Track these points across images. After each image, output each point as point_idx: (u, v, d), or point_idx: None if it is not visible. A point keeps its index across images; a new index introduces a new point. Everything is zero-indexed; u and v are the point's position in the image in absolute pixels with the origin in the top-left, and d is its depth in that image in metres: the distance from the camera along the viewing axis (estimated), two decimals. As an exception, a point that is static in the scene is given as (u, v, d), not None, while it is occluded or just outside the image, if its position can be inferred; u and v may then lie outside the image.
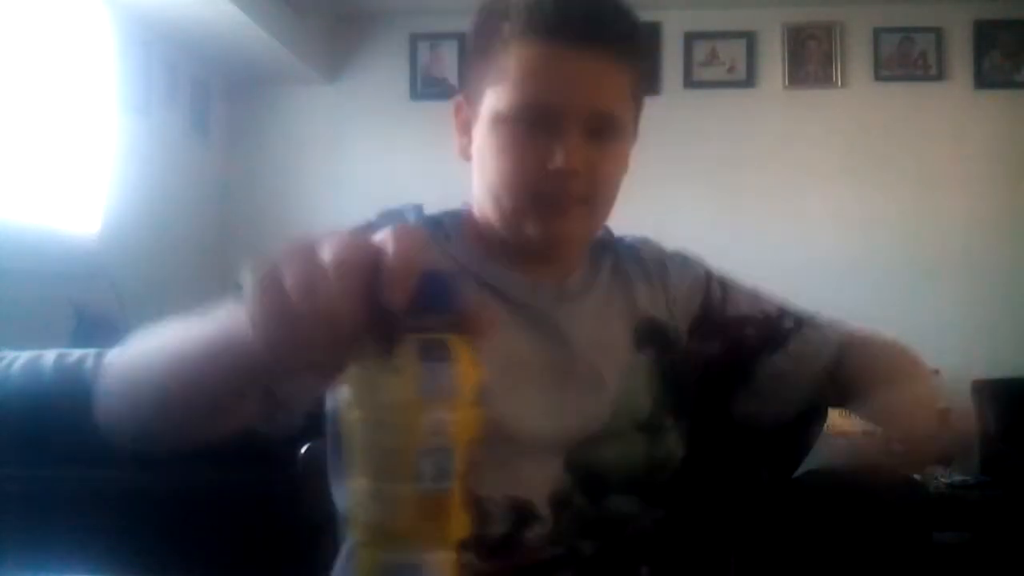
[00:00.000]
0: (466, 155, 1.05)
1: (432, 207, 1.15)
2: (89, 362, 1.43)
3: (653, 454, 1.04)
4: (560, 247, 1.04)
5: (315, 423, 1.13)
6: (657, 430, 1.05)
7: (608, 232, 1.15)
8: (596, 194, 1.00)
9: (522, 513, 0.97)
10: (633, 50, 1.00)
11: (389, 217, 1.06)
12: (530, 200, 0.98)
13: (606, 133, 0.98)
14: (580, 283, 1.08)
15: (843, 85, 4.19)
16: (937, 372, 3.76)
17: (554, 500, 0.98)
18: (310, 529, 1.20)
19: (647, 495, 1.04)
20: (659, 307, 1.10)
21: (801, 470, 1.41)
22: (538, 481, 0.98)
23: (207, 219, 4.22)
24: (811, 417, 1.49)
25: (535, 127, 0.96)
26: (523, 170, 0.97)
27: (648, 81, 1.08)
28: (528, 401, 0.99)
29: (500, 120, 0.98)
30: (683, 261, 1.16)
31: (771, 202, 4.14)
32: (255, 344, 0.55)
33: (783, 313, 1.15)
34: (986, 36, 4.11)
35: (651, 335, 1.09)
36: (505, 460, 0.97)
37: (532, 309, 1.03)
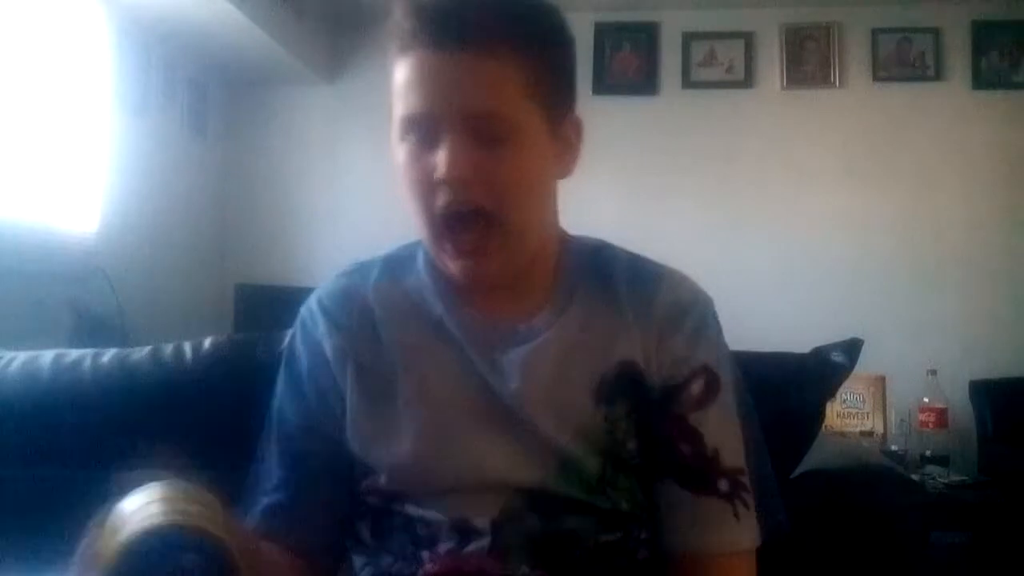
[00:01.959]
0: None
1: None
2: (87, 363, 1.43)
3: (605, 507, 1.00)
4: (486, 279, 0.98)
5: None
6: (609, 489, 0.99)
7: (593, 251, 1.07)
8: (499, 206, 0.93)
9: (462, 529, 0.97)
10: (511, 43, 0.92)
11: (358, 270, 1.08)
12: (437, 228, 0.95)
13: (497, 136, 0.92)
14: (543, 321, 1.01)
15: (841, 86, 4.18)
16: (935, 372, 3.78)
17: (497, 519, 0.97)
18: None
19: (603, 518, 1.00)
20: (646, 351, 1.00)
21: (800, 470, 1.41)
22: (481, 504, 0.97)
23: (205, 219, 4.21)
24: (808, 417, 1.49)
25: (422, 139, 0.94)
26: (416, 186, 0.95)
27: (554, 68, 0.97)
28: (468, 443, 0.97)
29: (399, 140, 0.97)
30: (698, 336, 1.01)
31: (769, 202, 4.14)
32: None
33: (728, 474, 1.00)
34: (984, 37, 4.11)
35: (625, 384, 0.99)
36: (448, 490, 0.98)
37: (478, 351, 0.99)
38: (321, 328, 1.05)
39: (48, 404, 1.38)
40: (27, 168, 3.00)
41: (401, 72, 0.95)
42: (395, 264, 1.08)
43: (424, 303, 1.03)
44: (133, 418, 1.38)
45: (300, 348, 1.07)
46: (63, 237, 3.17)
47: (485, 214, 0.93)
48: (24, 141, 2.98)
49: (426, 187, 0.94)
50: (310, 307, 1.08)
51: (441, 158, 0.92)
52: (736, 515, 0.99)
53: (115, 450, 1.37)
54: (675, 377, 1.00)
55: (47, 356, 1.44)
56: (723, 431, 1.01)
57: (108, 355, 1.43)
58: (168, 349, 1.43)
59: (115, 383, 1.40)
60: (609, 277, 1.04)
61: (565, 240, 1.07)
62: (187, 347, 1.42)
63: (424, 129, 0.94)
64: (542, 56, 0.96)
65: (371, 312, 1.04)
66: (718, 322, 1.05)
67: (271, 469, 1.05)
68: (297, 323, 1.09)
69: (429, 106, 0.93)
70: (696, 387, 1.00)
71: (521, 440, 0.97)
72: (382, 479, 1.00)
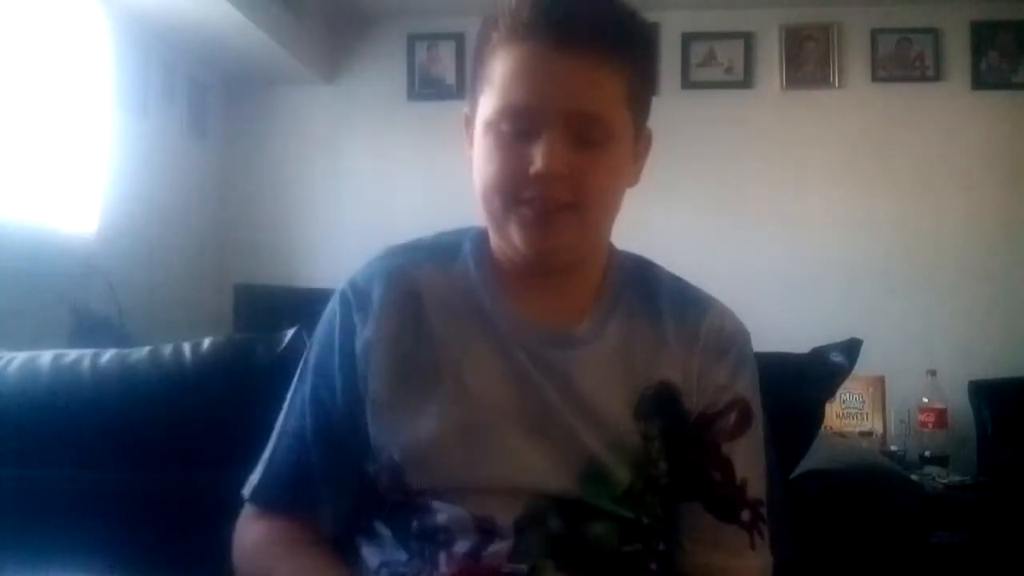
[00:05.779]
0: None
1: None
2: (87, 363, 1.43)
3: (628, 517, 1.00)
4: (551, 258, 0.99)
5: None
6: (634, 504, 1.00)
7: (638, 266, 1.09)
8: (585, 202, 0.96)
9: (484, 528, 0.97)
10: (623, 51, 0.96)
11: (403, 253, 1.07)
12: (514, 206, 0.96)
13: (594, 137, 0.95)
14: (588, 329, 1.02)
15: (840, 86, 4.18)
16: (935, 372, 3.78)
17: (520, 519, 0.97)
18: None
19: (625, 528, 1.01)
20: (686, 375, 1.02)
21: (800, 470, 1.41)
22: (505, 504, 0.97)
23: (204, 220, 4.21)
24: (808, 417, 1.49)
25: (518, 131, 0.95)
26: (506, 175, 0.95)
27: (648, 82, 1.03)
28: (500, 439, 0.97)
29: (487, 126, 0.97)
30: (739, 368, 1.04)
31: (769, 203, 4.14)
32: None
33: (751, 505, 1.03)
34: (983, 37, 4.10)
35: (662, 403, 1.01)
36: (472, 488, 0.98)
37: (522, 347, 1.00)
38: (356, 311, 1.03)
39: (48, 404, 1.39)
40: (27, 168, 3.00)
41: (506, 61, 0.96)
42: (442, 251, 1.07)
43: (471, 293, 1.03)
44: (132, 418, 1.38)
45: (336, 327, 1.05)
46: (62, 237, 3.17)
47: (569, 210, 0.95)
48: (24, 141, 2.98)
49: (518, 179, 0.95)
50: (353, 285, 1.05)
51: (539, 152, 0.93)
52: (752, 545, 1.02)
53: (114, 450, 1.38)
54: (714, 405, 1.03)
55: (47, 356, 1.44)
56: (751, 463, 1.04)
57: (108, 355, 1.44)
58: (167, 349, 1.43)
59: (115, 383, 1.40)
60: (654, 296, 1.06)
61: (612, 251, 1.09)
62: (186, 348, 1.42)
63: (524, 121, 0.94)
64: (644, 68, 1.01)
65: (418, 297, 1.03)
66: (754, 357, 1.07)
67: (292, 443, 1.06)
68: (336, 301, 1.06)
69: (535, 99, 0.94)
70: (732, 418, 1.03)
71: (554, 443, 0.97)
72: (405, 472, 0.98)
